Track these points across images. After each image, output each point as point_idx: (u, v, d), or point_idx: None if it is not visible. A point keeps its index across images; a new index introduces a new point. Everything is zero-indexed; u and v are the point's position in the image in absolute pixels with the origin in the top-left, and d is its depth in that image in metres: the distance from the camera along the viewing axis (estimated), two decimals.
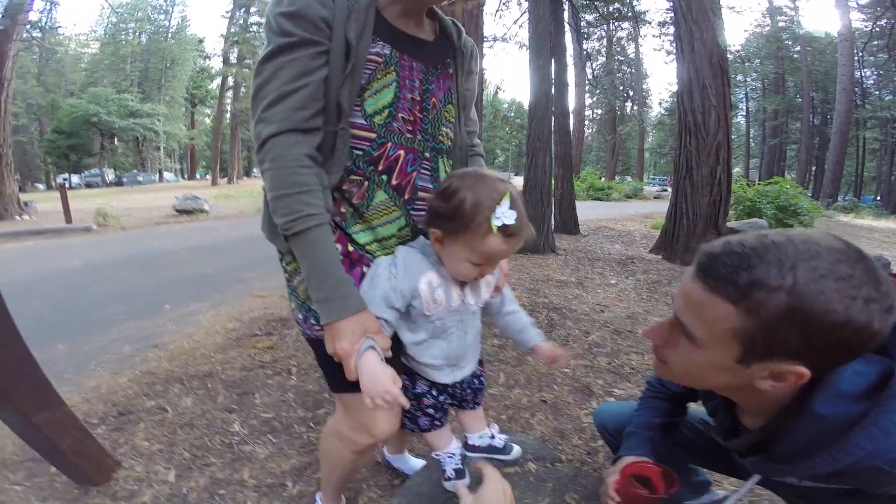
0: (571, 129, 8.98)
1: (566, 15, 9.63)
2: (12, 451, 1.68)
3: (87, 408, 2.00)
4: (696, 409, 1.10)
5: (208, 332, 2.98)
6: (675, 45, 5.75)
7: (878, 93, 29.09)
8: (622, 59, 32.19)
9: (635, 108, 36.23)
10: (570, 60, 9.70)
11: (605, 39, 27.64)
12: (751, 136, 37.54)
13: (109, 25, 40.00)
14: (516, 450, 1.19)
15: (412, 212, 0.93)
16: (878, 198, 27.49)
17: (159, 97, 38.43)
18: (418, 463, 1.53)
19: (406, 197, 0.92)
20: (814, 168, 30.05)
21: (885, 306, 0.54)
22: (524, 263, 5.14)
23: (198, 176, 43.31)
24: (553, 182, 6.70)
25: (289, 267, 0.95)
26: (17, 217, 10.29)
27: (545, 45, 6.01)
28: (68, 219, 8.88)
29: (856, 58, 23.82)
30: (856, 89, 25.73)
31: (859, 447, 0.60)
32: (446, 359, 1.01)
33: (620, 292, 3.97)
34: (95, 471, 1.51)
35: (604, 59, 30.00)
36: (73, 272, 4.98)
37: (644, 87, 36.38)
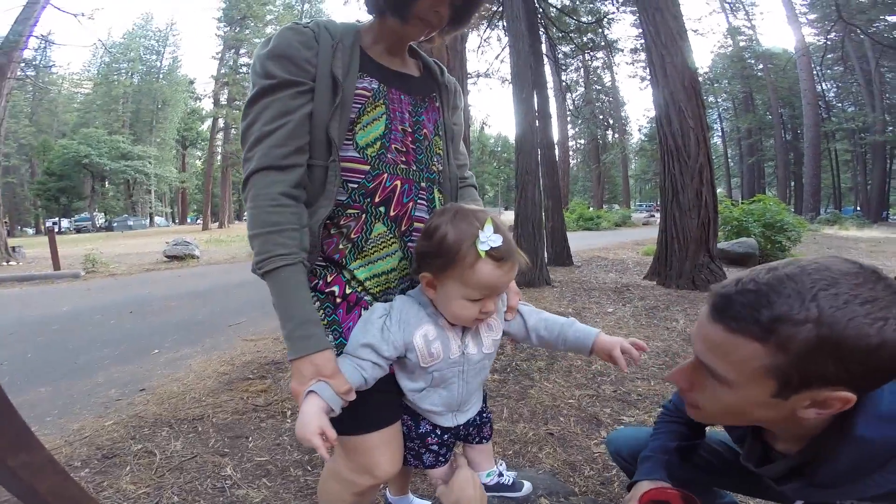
0: (557, 160, 9.14)
1: (544, 48, 10.00)
2: None
3: (69, 451, 1.93)
4: (714, 430, 1.08)
5: (199, 377, 2.90)
6: (648, 70, 5.92)
7: (840, 105, 30.29)
8: (599, 87, 33.43)
9: (616, 135, 37.28)
10: (550, 93, 10.03)
11: (583, 70, 28.74)
12: (729, 155, 38.65)
13: (102, 65, 40.43)
14: (527, 486, 1.16)
15: (409, 244, 0.93)
16: (859, 208, 28.02)
17: (150, 139, 38.43)
18: None
19: (403, 228, 0.92)
20: (793, 183, 30.81)
21: None
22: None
23: (188, 220, 43.13)
24: (543, 215, 6.76)
25: None
26: (4, 263, 10.14)
27: (527, 78, 6.18)
28: (56, 265, 8.76)
29: (815, 72, 24.89)
30: (820, 103, 26.83)
31: None
32: (447, 406, 0.98)
33: (619, 320, 3.96)
34: None
35: (582, 89, 31.12)
36: (59, 317, 4.87)
37: (623, 114, 37.59)
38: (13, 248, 10.79)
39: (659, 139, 5.72)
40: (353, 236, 0.89)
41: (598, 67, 30.52)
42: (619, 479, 1.61)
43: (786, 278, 0.58)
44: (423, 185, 0.95)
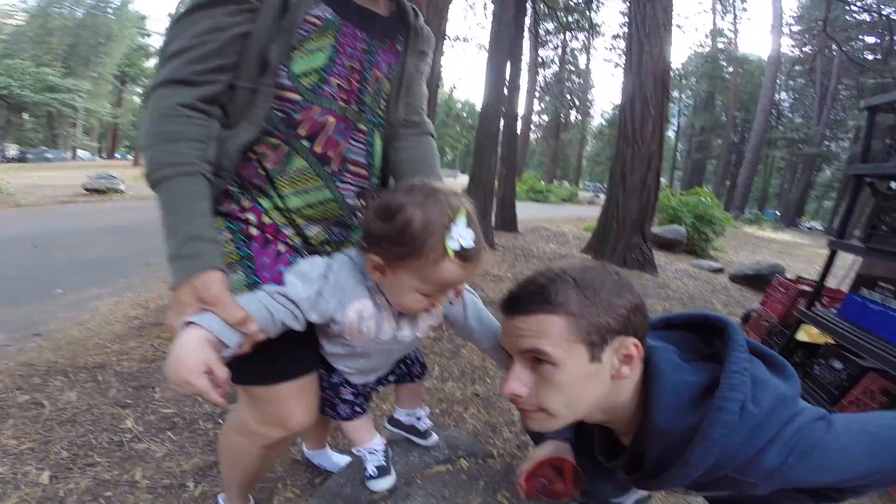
0: (518, 131, 9.24)
1: (527, 21, 9.92)
2: None
3: None
4: None
5: (106, 320, 2.63)
6: (625, 57, 6.11)
7: (791, 115, 32.84)
8: (573, 68, 33.70)
9: (579, 117, 38.06)
10: (525, 66, 9.95)
11: (560, 48, 28.74)
12: (678, 149, 40.95)
13: None
14: (434, 437, 1.16)
15: (340, 184, 0.87)
16: (778, 212, 30.86)
17: (85, 73, 35.26)
18: (342, 459, 1.43)
19: (334, 168, 0.85)
20: (728, 182, 33.28)
21: (625, 288, 0.69)
22: None
23: (118, 156, 39.87)
24: (496, 181, 6.86)
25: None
26: None
27: (505, 46, 6.21)
28: None
29: (778, 81, 26.65)
30: (773, 111, 28.95)
31: (701, 461, 0.64)
32: (361, 372, 0.94)
33: None
34: None
35: (556, 67, 31.18)
36: None
37: (589, 97, 38.37)
38: None
39: (619, 124, 6.03)
40: (267, 165, 0.82)
41: (575, 48, 30.64)
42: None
43: (544, 268, 0.71)
44: (361, 126, 0.89)
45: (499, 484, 1.10)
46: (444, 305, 0.89)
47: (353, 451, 1.05)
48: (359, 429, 1.02)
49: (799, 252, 10.05)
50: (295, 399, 0.89)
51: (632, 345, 0.68)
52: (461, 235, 0.69)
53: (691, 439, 0.65)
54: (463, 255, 0.70)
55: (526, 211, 10.45)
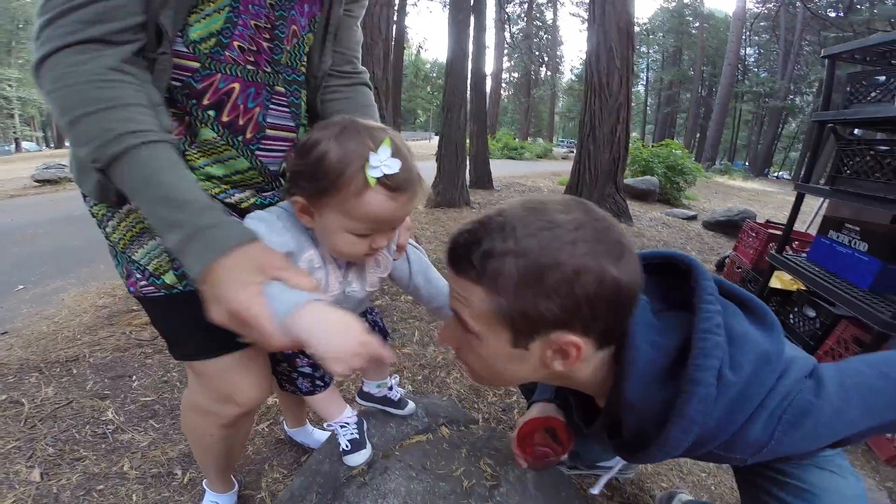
0: (488, 90, 9.06)
1: None
2: None
3: None
4: None
5: (73, 312, 2.55)
6: (588, 9, 6.00)
7: (756, 70, 33.44)
8: (540, 24, 32.87)
9: (549, 73, 37.51)
10: (490, 23, 9.62)
11: (527, 4, 27.86)
12: (648, 104, 41.26)
13: None
14: (410, 406, 1.12)
15: (258, 152, 0.79)
16: (747, 163, 31.94)
17: (9, 61, 33.05)
18: (323, 435, 1.41)
19: (248, 136, 0.77)
20: (698, 134, 33.94)
21: (611, 247, 0.53)
22: (439, 217, 5.19)
23: (67, 144, 37.48)
24: (468, 139, 6.78)
25: (95, 209, 0.79)
26: None
27: (466, 2, 5.97)
28: None
29: (743, 37, 26.84)
30: (739, 66, 29.37)
31: (679, 440, 0.58)
32: None
33: None
34: None
35: (523, 23, 30.32)
36: None
37: (558, 53, 37.80)
38: None
39: (585, 76, 6.01)
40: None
41: (542, 3, 29.73)
42: (520, 405, 1.70)
43: (495, 214, 0.56)
44: (279, 88, 0.80)
45: (481, 451, 1.06)
46: (377, 284, 0.86)
47: (325, 426, 1.02)
48: (324, 402, 0.98)
49: (768, 199, 10.36)
50: (240, 372, 0.84)
51: (571, 345, 0.56)
52: (384, 163, 0.63)
53: (667, 416, 0.58)
54: (388, 183, 0.64)
55: (501, 168, 10.43)
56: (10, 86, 30.83)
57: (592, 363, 0.63)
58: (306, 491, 0.97)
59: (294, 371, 0.92)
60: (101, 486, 1.29)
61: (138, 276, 0.78)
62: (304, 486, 0.99)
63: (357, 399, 1.14)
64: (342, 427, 0.98)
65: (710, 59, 32.83)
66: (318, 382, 0.95)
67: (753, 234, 3.29)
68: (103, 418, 1.58)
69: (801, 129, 31.15)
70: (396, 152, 0.65)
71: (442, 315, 0.92)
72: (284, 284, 0.58)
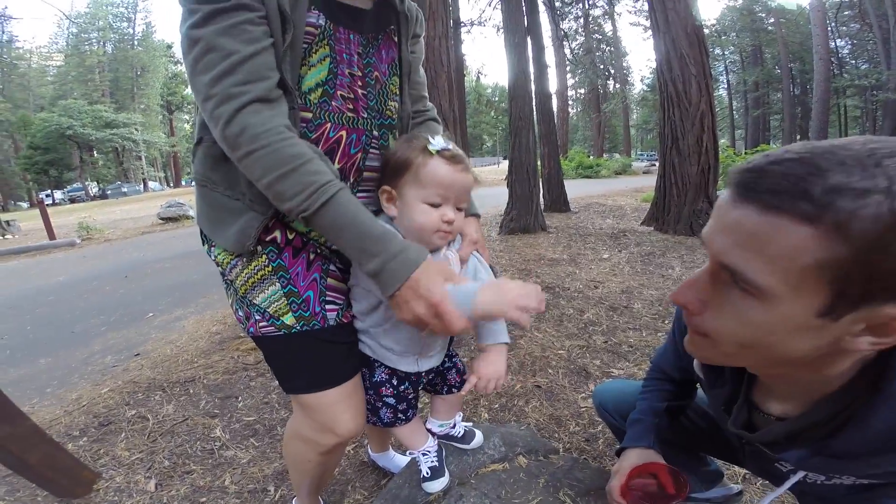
0: (555, 109, 8.97)
1: None
2: None
3: (68, 420, 1.97)
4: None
5: (192, 338, 2.92)
6: (649, 18, 5.76)
7: (854, 62, 29.81)
8: (600, 37, 32.21)
9: (617, 85, 36.30)
10: (548, 42, 9.61)
11: (582, 18, 27.55)
12: (734, 108, 38.16)
13: (71, 37, 39.74)
14: (477, 438, 1.12)
15: (360, 194, 0.86)
16: None
17: (134, 106, 38.15)
18: (403, 460, 1.43)
19: (351, 180, 0.84)
20: (798, 136, 30.55)
21: None
22: (515, 244, 5.11)
23: (183, 182, 43.14)
24: (539, 161, 6.69)
25: (220, 257, 0.85)
26: (0, 237, 10.12)
27: (520, 22, 6.03)
28: (51, 235, 8.74)
29: (829, 28, 24.18)
30: (832, 59, 26.31)
31: None
32: (409, 347, 0.91)
33: (614, 266, 3.91)
34: (74, 483, 1.47)
35: (582, 38, 29.92)
36: (56, 288, 4.88)
37: (624, 64, 36.62)
38: (7, 222, 10.78)
39: (659, 85, 5.66)
40: None
41: (598, 16, 29.25)
42: (605, 435, 1.60)
43: (830, 146, 0.43)
44: (375, 133, 0.86)
45: (561, 481, 1.02)
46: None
47: (406, 452, 1.06)
48: (408, 433, 1.02)
49: None
50: (342, 405, 0.89)
51: None
52: (439, 142, 0.80)
53: None
54: (445, 154, 0.79)
55: (577, 189, 10.10)
56: (136, 129, 34.88)
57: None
58: None
59: (379, 400, 0.96)
60: (204, 499, 1.43)
61: (258, 317, 0.84)
62: None
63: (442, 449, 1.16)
64: (423, 455, 1.02)
65: (797, 56, 29.77)
66: (399, 416, 0.98)
67: None
68: (212, 435, 1.76)
69: None
70: (448, 139, 0.82)
71: (480, 332, 0.90)
72: (456, 285, 0.73)
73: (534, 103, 6.40)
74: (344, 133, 0.81)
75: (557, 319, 2.71)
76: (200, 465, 1.60)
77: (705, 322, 0.54)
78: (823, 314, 0.44)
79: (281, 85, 0.71)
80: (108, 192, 32.07)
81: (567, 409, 1.80)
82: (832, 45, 26.38)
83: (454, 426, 1.12)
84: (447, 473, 1.01)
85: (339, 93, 0.79)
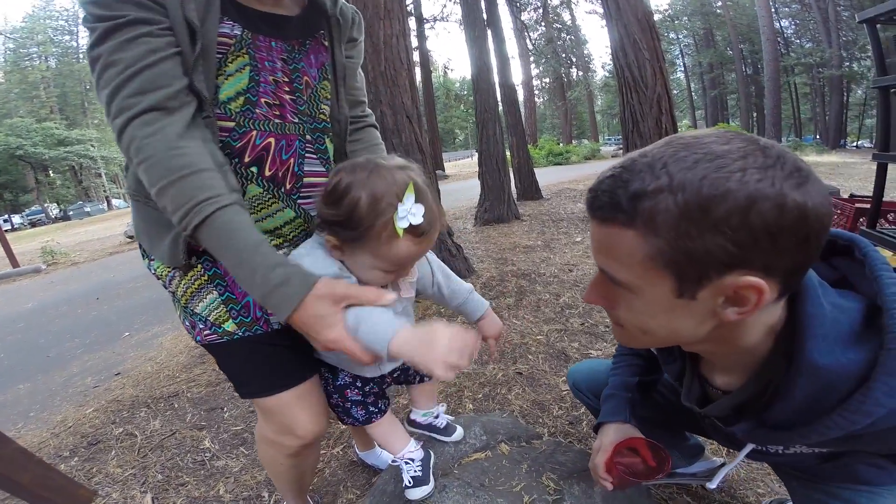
0: (521, 99, 9.05)
1: None
2: None
3: (56, 442, 1.96)
4: None
5: (171, 354, 2.90)
6: (602, 6, 5.90)
7: (798, 41, 31.25)
8: (560, 26, 32.63)
9: (580, 73, 36.89)
10: (510, 33, 9.67)
11: (541, 9, 27.82)
12: (692, 89, 39.31)
13: (8, 52, 37.54)
14: (458, 432, 1.12)
15: (300, 200, 0.85)
16: (818, 136, 29.35)
17: (86, 122, 36.23)
18: (390, 456, 1.46)
19: (288, 187, 0.83)
20: (755, 114, 31.66)
21: (791, 172, 0.46)
22: (490, 234, 5.19)
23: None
24: (509, 152, 6.77)
25: (158, 270, 0.86)
26: None
27: (478, 16, 6.06)
28: (14, 262, 8.33)
29: (773, 9, 25.15)
30: (778, 39, 27.49)
31: (879, 404, 0.50)
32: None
33: (587, 249, 3.99)
34: (71, 502, 1.46)
35: (542, 28, 30.23)
36: (25, 314, 4.73)
37: (585, 51, 37.22)
38: None
39: (616, 71, 5.79)
40: None
41: (556, 6, 29.61)
42: (588, 417, 1.65)
43: (639, 156, 0.52)
44: (308, 137, 0.85)
45: (543, 465, 1.02)
46: (413, 291, 0.90)
47: (390, 461, 1.04)
48: (385, 434, 1.00)
49: (851, 171, 9.28)
50: (298, 407, 0.89)
51: (751, 289, 0.48)
52: (411, 212, 0.68)
53: (860, 379, 0.52)
54: (414, 231, 0.69)
55: (548, 176, 10.19)
56: (92, 146, 32.71)
57: (765, 321, 0.56)
58: None
59: (346, 402, 0.95)
60: None
61: (202, 326, 0.84)
62: None
63: (406, 426, 1.14)
64: (406, 464, 0.99)
65: (746, 37, 30.96)
66: (371, 409, 0.97)
67: (838, 211, 2.96)
68: (201, 447, 1.77)
69: (871, 95, 28.31)
70: (420, 196, 0.69)
71: (465, 312, 0.98)
72: (358, 307, 0.68)
73: (498, 95, 6.46)
74: (272, 140, 0.79)
75: (534, 305, 2.78)
76: (193, 476, 1.61)
77: (614, 314, 0.62)
78: (679, 295, 0.52)
79: (194, 94, 0.71)
80: (70, 212, 30.58)
81: (549, 394, 1.84)
82: (777, 25, 27.48)
83: (437, 416, 1.11)
84: (432, 482, 0.97)
85: (262, 100, 0.78)
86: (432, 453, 1.04)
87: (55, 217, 31.61)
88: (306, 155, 0.85)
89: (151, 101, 0.65)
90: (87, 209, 30.90)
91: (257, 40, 0.77)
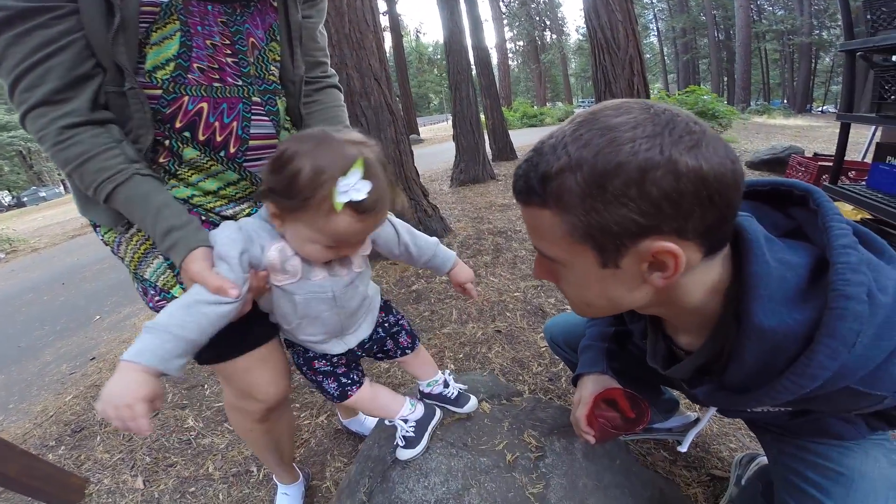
0: (495, 62, 8.89)
1: None
2: None
3: (40, 432, 1.93)
4: None
5: None
6: None
7: (771, 8, 31.54)
8: None
9: (554, 36, 36.31)
10: None
11: None
12: (665, 53, 39.32)
13: None
14: (471, 403, 1.07)
15: (246, 163, 0.84)
16: (786, 101, 30.08)
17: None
18: (373, 421, 1.42)
19: (231, 150, 0.82)
20: (725, 78, 32.04)
21: (680, 136, 0.46)
22: (466, 194, 5.22)
23: None
24: (483, 114, 6.79)
25: (107, 237, 0.87)
26: None
27: None
28: None
29: None
30: (751, 6, 27.55)
31: (823, 367, 0.50)
32: (327, 333, 0.88)
33: None
34: (63, 491, 1.48)
35: None
36: None
37: (559, 14, 36.52)
38: None
39: (588, 33, 5.80)
40: (161, 160, 0.80)
41: None
42: (566, 373, 1.67)
43: (548, 137, 0.53)
44: (256, 99, 0.84)
45: (524, 423, 1.03)
46: (376, 233, 0.89)
47: (386, 422, 1.02)
48: (373, 403, 0.98)
49: (816, 133, 9.56)
50: (256, 371, 0.91)
51: (666, 253, 0.49)
52: (354, 187, 0.64)
53: (806, 341, 0.51)
54: (355, 207, 0.66)
55: (523, 138, 10.12)
56: None
57: (705, 281, 0.56)
58: (360, 476, 1.00)
59: (317, 374, 0.94)
60: (193, 489, 1.46)
61: (153, 292, 0.85)
62: (358, 472, 1.03)
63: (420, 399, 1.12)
64: (404, 421, 0.99)
65: (719, 3, 31.04)
66: (343, 380, 0.95)
67: (802, 169, 3.12)
68: (186, 426, 1.77)
69: (838, 62, 29.13)
70: (368, 173, 0.66)
71: (435, 266, 0.98)
72: (197, 292, 0.69)
73: (472, 57, 6.37)
74: (205, 105, 0.78)
75: (511, 262, 2.81)
76: (181, 456, 1.62)
77: (563, 290, 0.64)
78: (604, 266, 0.54)
79: (115, 69, 0.71)
80: (25, 199, 28.86)
81: (528, 351, 1.86)
82: None
83: (446, 385, 1.08)
84: (422, 446, 0.96)
85: (195, 65, 0.76)
86: (438, 412, 1.03)
87: (8, 205, 29.83)
88: (253, 118, 0.83)
89: (41, 97, 0.68)
90: (43, 194, 29.24)
91: (190, 5, 0.75)
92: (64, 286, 4.67)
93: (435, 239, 0.99)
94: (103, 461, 1.65)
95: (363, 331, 0.94)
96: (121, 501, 1.46)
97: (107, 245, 0.88)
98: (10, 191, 31.88)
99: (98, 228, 0.87)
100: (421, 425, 0.99)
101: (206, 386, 2.04)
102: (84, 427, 1.89)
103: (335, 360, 0.94)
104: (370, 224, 0.71)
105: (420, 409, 1.01)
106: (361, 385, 0.98)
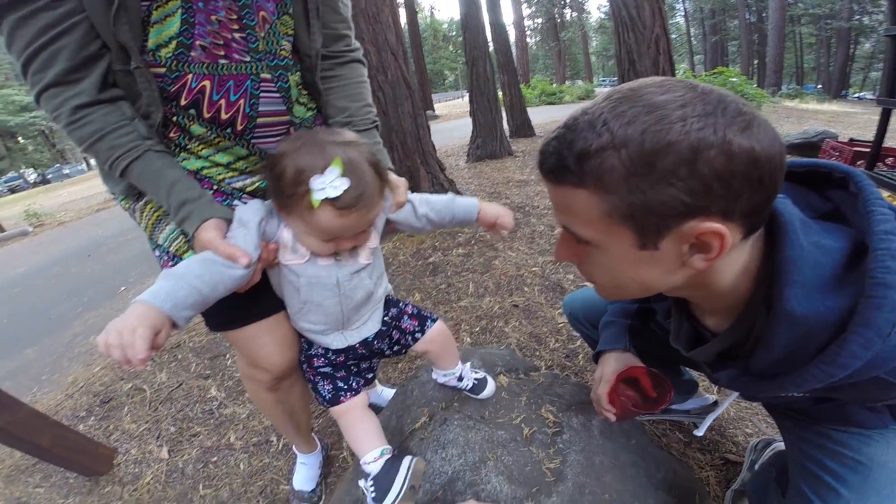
0: (513, 39, 8.70)
1: None
2: (21, 457, 1.68)
3: (71, 403, 2.00)
4: None
5: None
6: None
7: None
8: None
9: (574, 14, 35.19)
10: None
11: None
12: (692, 34, 37.89)
13: None
14: (489, 388, 1.04)
15: (254, 140, 0.84)
16: (820, 85, 28.82)
17: None
18: (391, 393, 1.47)
19: (239, 128, 0.81)
20: (756, 61, 30.69)
21: (734, 117, 0.45)
22: (483, 170, 5.19)
23: None
24: (501, 91, 6.72)
25: (123, 204, 0.89)
26: None
27: None
28: None
29: None
30: None
31: (855, 357, 0.48)
32: (328, 324, 0.87)
33: None
34: (94, 461, 1.53)
35: None
36: (19, 279, 4.69)
37: None
38: None
39: (612, 10, 5.55)
40: (171, 135, 0.81)
41: None
42: (584, 350, 1.65)
43: (580, 113, 0.51)
44: (266, 76, 0.82)
45: (542, 398, 1.01)
46: (395, 216, 0.90)
47: (360, 463, 0.88)
48: (350, 427, 0.90)
49: (850, 120, 9.10)
50: (263, 339, 0.92)
51: (712, 234, 0.48)
52: (332, 185, 0.66)
53: (839, 328, 0.49)
54: (335, 203, 0.68)
55: (542, 115, 9.95)
56: None
57: (737, 263, 0.55)
58: None
59: (315, 374, 0.92)
60: (215, 458, 1.50)
61: (166, 257, 0.86)
62: None
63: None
64: (362, 480, 0.86)
65: None
66: (340, 385, 0.91)
67: (836, 154, 2.99)
68: (208, 396, 1.83)
69: (879, 48, 27.60)
70: (348, 171, 0.68)
71: (462, 221, 0.96)
72: (211, 254, 0.72)
73: (488, 33, 6.28)
74: (208, 83, 0.77)
75: (529, 237, 2.79)
76: (204, 426, 1.67)
77: (585, 271, 0.62)
78: (643, 247, 0.52)
79: (119, 48, 0.71)
80: (49, 176, 29.64)
81: (545, 326, 1.83)
82: None
83: (460, 378, 1.03)
84: (393, 493, 0.79)
85: (197, 42, 0.75)
86: (412, 460, 0.84)
87: (34, 181, 30.61)
88: (261, 95, 0.82)
89: (53, 78, 0.70)
90: (66, 171, 29.99)
91: None
92: (90, 258, 4.83)
93: (449, 195, 0.97)
94: (130, 431, 1.71)
95: (367, 328, 0.92)
96: (147, 471, 1.50)
97: (126, 211, 0.91)
98: (35, 168, 32.73)
99: (117, 197, 0.90)
100: (385, 480, 0.82)
101: (227, 356, 2.09)
102: (112, 398, 1.96)
103: (336, 360, 0.92)
104: (356, 219, 0.72)
105: (383, 462, 0.85)
106: (356, 396, 0.91)
